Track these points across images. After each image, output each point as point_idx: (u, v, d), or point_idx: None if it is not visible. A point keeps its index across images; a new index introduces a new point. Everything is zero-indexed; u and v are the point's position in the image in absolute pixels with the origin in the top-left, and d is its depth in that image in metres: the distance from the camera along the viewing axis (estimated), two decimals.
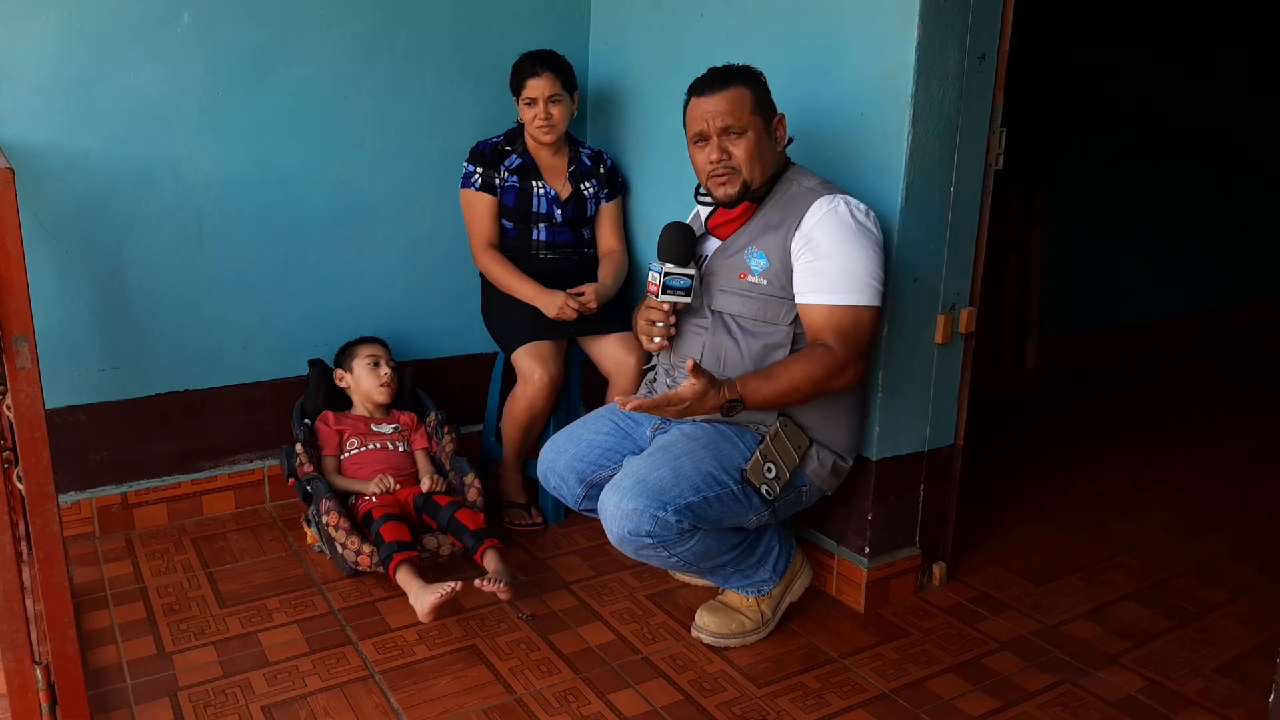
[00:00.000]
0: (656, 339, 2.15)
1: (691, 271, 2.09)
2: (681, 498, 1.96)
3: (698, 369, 1.90)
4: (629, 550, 2.01)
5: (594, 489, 2.20)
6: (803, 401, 2.02)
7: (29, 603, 1.61)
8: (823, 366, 1.97)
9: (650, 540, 1.95)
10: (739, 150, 2.04)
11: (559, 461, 2.24)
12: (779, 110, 2.11)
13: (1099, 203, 4.52)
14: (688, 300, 2.10)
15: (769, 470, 2.06)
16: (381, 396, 2.70)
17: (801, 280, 2.03)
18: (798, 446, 2.09)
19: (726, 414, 1.97)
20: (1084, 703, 2.04)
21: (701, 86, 2.07)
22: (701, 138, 2.08)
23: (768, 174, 2.09)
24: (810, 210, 2.02)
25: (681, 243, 2.09)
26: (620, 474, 2.03)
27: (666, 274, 2.08)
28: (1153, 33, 4.39)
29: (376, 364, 2.71)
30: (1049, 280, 4.32)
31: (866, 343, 2.02)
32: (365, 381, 2.69)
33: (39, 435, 1.43)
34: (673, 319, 2.14)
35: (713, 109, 2.04)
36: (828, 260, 1.99)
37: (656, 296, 2.10)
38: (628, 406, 1.88)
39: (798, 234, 2.03)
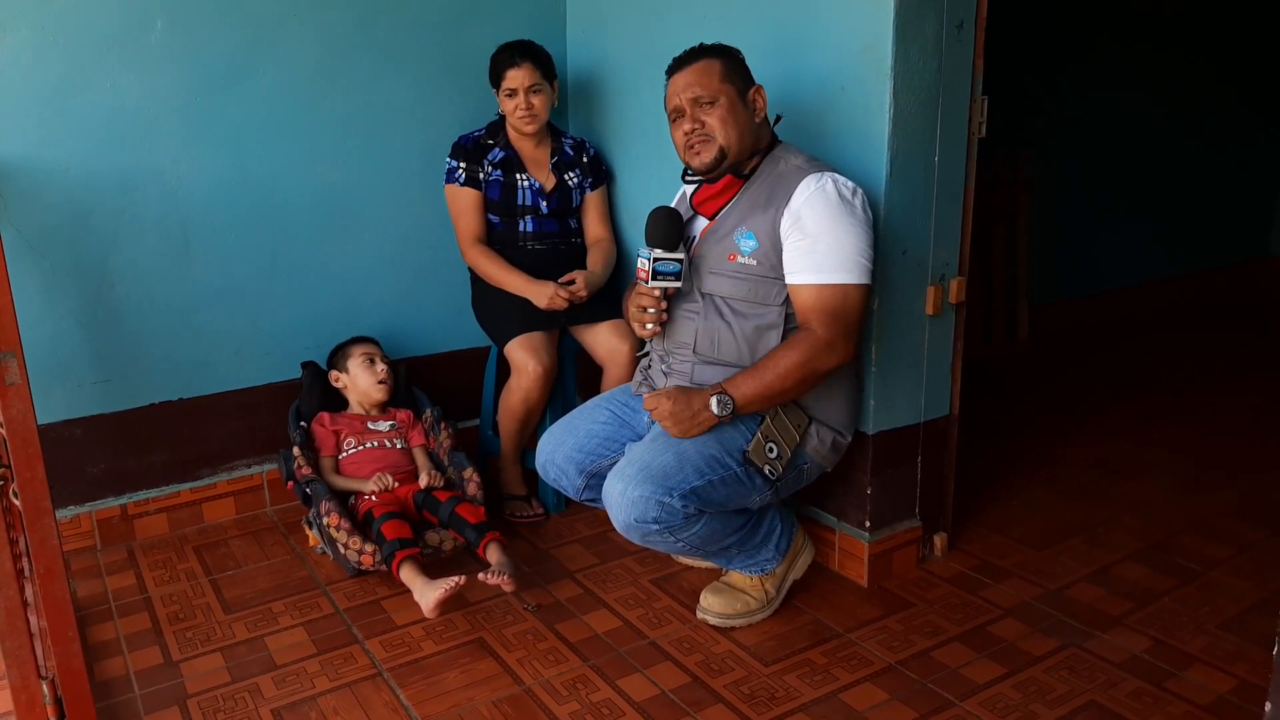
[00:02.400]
0: (649, 325, 2.14)
1: (681, 256, 2.08)
2: (686, 482, 1.96)
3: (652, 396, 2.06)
4: (635, 537, 2.01)
5: (594, 479, 2.20)
6: (797, 389, 2.02)
7: (32, 618, 1.61)
8: (805, 349, 1.97)
9: (657, 526, 1.96)
10: (711, 118, 2.05)
11: (558, 453, 2.24)
12: (759, 83, 2.11)
13: (1084, 167, 4.52)
14: (678, 285, 2.10)
15: (771, 450, 2.06)
16: (379, 394, 2.69)
17: (790, 260, 2.02)
18: (797, 425, 2.09)
19: (720, 409, 1.98)
20: (1089, 665, 2.05)
21: (674, 66, 2.11)
22: (677, 113, 2.09)
23: (745, 142, 2.08)
24: (798, 188, 2.02)
25: (669, 227, 2.08)
26: (623, 461, 2.04)
27: (655, 259, 2.07)
28: None
29: (372, 362, 2.70)
30: (1037, 247, 4.32)
31: (855, 321, 2.02)
32: (362, 380, 2.69)
33: (33, 450, 1.43)
34: (664, 304, 2.13)
35: (684, 83, 2.07)
36: (815, 239, 1.99)
37: (647, 283, 2.09)
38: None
39: (786, 212, 2.02)
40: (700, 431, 2.02)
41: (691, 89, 2.05)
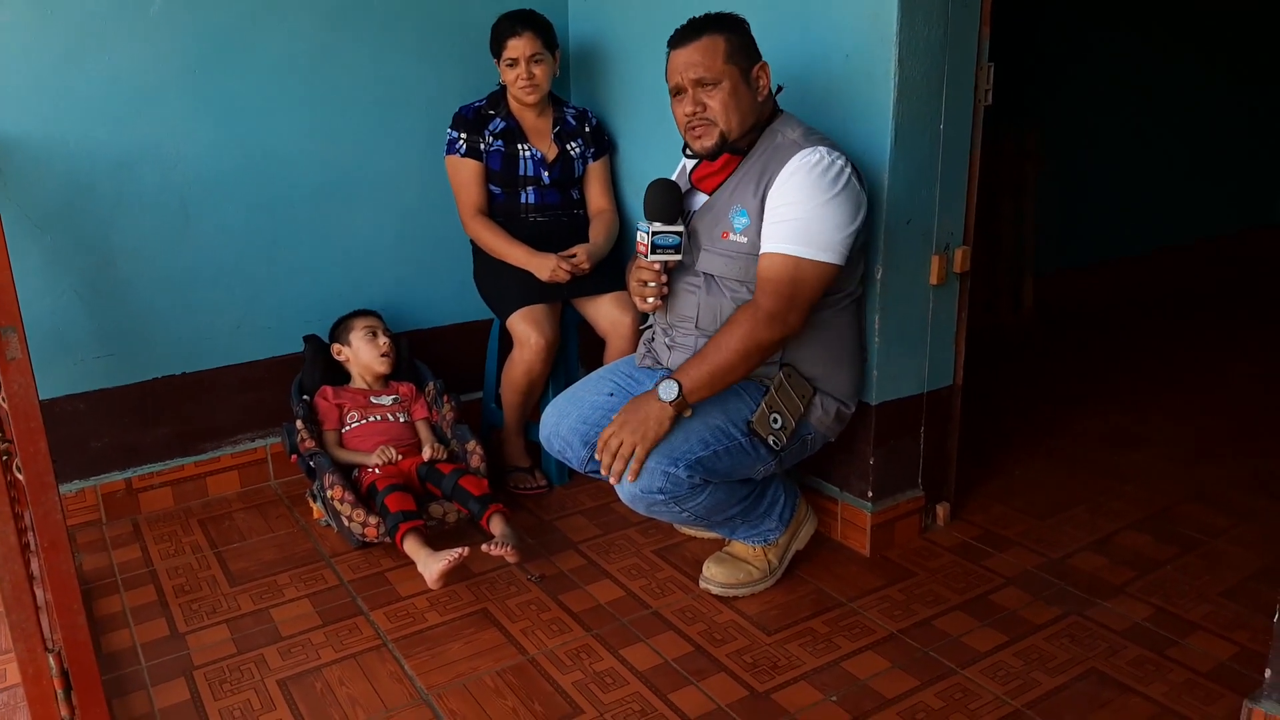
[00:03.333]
0: (650, 299, 2.13)
1: (680, 229, 2.07)
2: (691, 453, 1.96)
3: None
4: (641, 508, 2.02)
5: None
6: (746, 365, 1.99)
7: (38, 591, 1.62)
8: (747, 326, 1.96)
9: (662, 497, 1.96)
10: (714, 101, 2.01)
11: (562, 425, 2.23)
12: (763, 59, 2.07)
13: (1091, 137, 4.48)
14: (678, 258, 2.09)
15: (775, 421, 2.06)
16: (382, 367, 2.69)
17: (763, 231, 2.00)
18: (802, 395, 2.09)
19: (666, 393, 1.96)
20: (1091, 633, 2.06)
21: (677, 39, 2.04)
22: (678, 90, 2.05)
23: (746, 124, 2.05)
24: (787, 164, 1.98)
25: (668, 200, 2.06)
26: None
27: (654, 233, 2.05)
28: None
29: (374, 335, 2.70)
30: (1043, 217, 4.30)
31: (805, 296, 1.97)
32: (364, 353, 2.69)
33: (35, 425, 1.43)
34: (664, 278, 2.12)
35: (685, 61, 2.01)
36: (786, 208, 1.96)
37: (646, 256, 2.08)
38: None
39: (773, 189, 1.99)
40: (663, 427, 1.97)
41: (694, 69, 1.99)
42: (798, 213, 1.95)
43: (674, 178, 2.21)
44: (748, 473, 2.09)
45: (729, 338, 1.98)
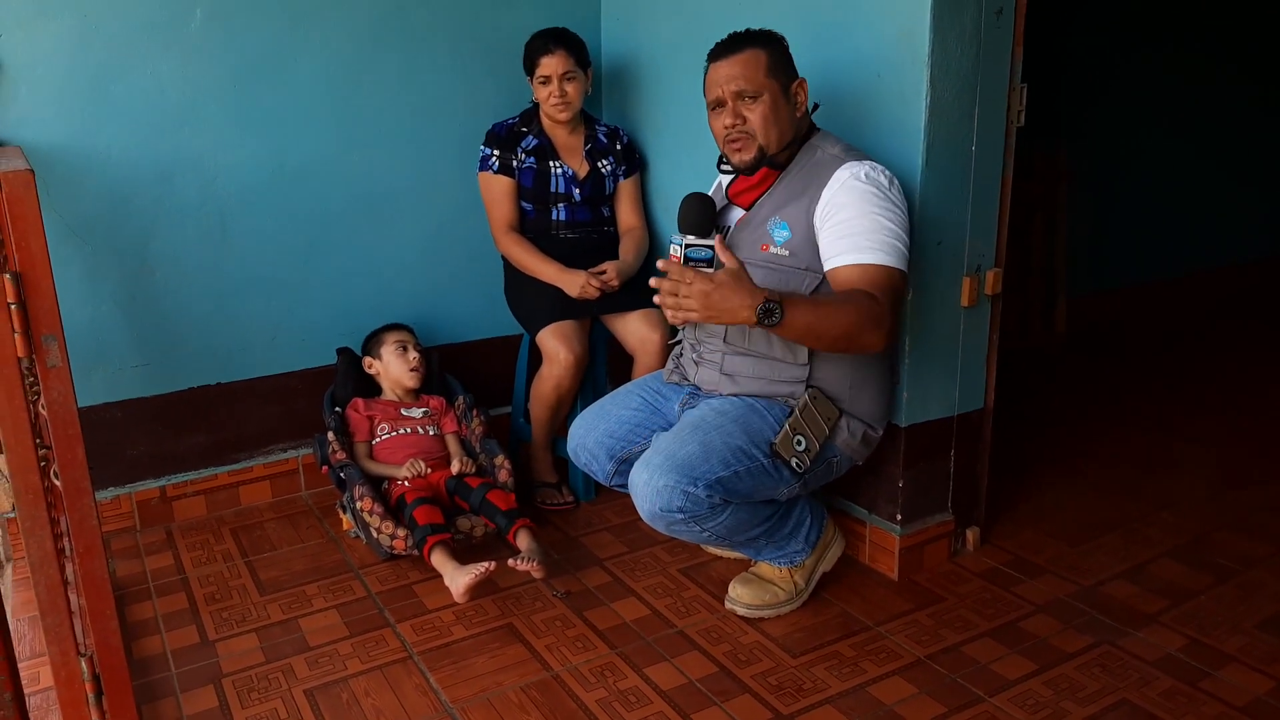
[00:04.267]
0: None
1: (712, 243, 2.06)
2: (712, 473, 1.95)
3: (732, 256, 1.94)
4: (660, 526, 2.01)
5: (625, 465, 2.20)
6: (834, 344, 1.92)
7: (72, 596, 1.64)
8: (864, 312, 1.87)
9: (681, 516, 1.96)
10: (754, 115, 2.01)
11: (589, 438, 2.24)
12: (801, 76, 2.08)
13: (1124, 158, 4.43)
14: (710, 271, 2.08)
15: (799, 443, 2.05)
16: (411, 381, 2.72)
17: (828, 245, 1.99)
18: (827, 418, 2.08)
19: (763, 318, 1.81)
20: (1123, 663, 2.02)
21: (718, 52, 2.06)
22: (718, 103, 2.06)
23: (785, 139, 2.06)
24: (833, 178, 1.99)
25: (701, 213, 2.07)
26: (650, 450, 2.03)
27: (687, 246, 2.05)
28: None
29: (405, 349, 2.73)
30: (1076, 239, 4.26)
31: (899, 306, 1.98)
32: (394, 367, 2.71)
33: (73, 432, 1.45)
34: None
35: (726, 73, 2.02)
36: (855, 221, 1.95)
37: None
38: (661, 264, 1.90)
39: (820, 203, 2.00)
40: (735, 319, 1.83)
41: (735, 81, 2.01)
42: (868, 225, 1.94)
43: (710, 194, 2.22)
44: (770, 494, 2.08)
45: (845, 308, 1.87)
